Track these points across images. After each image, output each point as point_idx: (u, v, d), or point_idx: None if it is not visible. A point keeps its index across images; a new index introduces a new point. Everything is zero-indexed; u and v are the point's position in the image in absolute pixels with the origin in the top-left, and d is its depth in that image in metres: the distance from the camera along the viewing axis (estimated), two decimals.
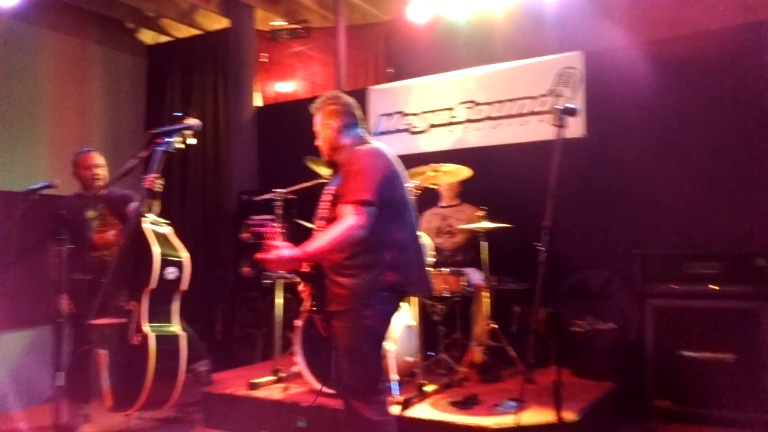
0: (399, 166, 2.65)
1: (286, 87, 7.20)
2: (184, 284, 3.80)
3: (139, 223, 3.73)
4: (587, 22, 4.90)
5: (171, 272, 3.72)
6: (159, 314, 3.69)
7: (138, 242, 3.70)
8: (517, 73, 4.95)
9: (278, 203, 4.17)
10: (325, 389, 3.58)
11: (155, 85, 6.77)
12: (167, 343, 3.61)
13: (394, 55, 6.52)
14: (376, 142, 2.70)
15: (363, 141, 2.70)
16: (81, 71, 6.17)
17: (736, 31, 4.15)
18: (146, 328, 3.58)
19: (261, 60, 6.73)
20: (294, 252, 2.49)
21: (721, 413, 3.66)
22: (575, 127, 4.65)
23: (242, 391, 3.90)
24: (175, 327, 3.74)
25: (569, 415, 3.17)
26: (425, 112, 5.36)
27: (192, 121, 3.70)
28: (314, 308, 2.70)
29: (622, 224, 4.40)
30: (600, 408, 3.53)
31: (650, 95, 4.34)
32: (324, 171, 4.32)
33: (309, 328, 3.75)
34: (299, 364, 3.76)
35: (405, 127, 5.44)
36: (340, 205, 2.49)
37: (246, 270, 5.67)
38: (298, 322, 3.82)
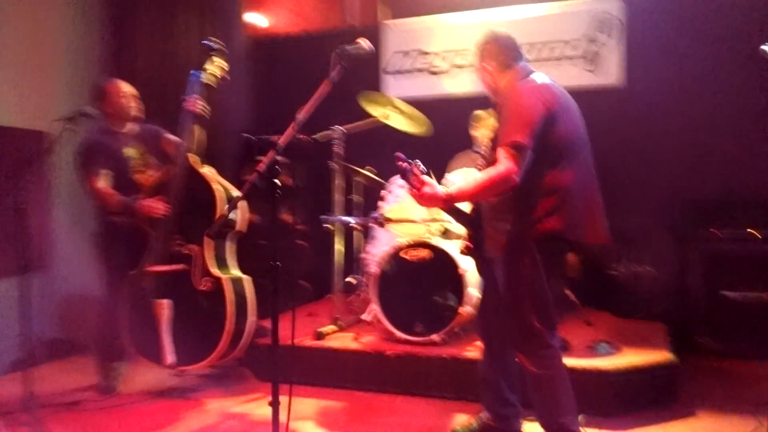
0: (568, 102, 2.45)
1: (276, 20, 6.63)
2: (242, 225, 3.47)
3: (188, 159, 3.34)
4: None
5: (231, 212, 3.37)
6: (221, 258, 3.35)
7: (193, 181, 3.31)
8: (551, 16, 4.85)
9: (338, 142, 3.86)
10: (405, 336, 3.45)
11: (124, 15, 5.96)
12: (238, 287, 3.29)
13: None
14: (540, 75, 2.48)
15: (524, 75, 2.48)
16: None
17: None
18: (216, 271, 3.22)
19: None
20: (440, 190, 2.32)
21: (760, 349, 3.88)
22: (612, 75, 4.68)
23: (310, 342, 3.62)
24: (238, 271, 3.40)
25: (670, 355, 3.23)
26: (447, 51, 5.15)
27: None
28: (467, 250, 2.56)
29: (660, 172, 4.49)
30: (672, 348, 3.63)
31: (689, 45, 4.41)
32: (376, 111, 4.04)
33: (385, 275, 3.54)
34: (374, 310, 3.55)
35: (424, 66, 5.21)
36: (497, 148, 2.31)
37: (254, 217, 5.28)
38: (375, 269, 3.58)
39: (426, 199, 2.33)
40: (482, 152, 4.58)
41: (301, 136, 5.48)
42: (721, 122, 4.34)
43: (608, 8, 4.69)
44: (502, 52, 2.53)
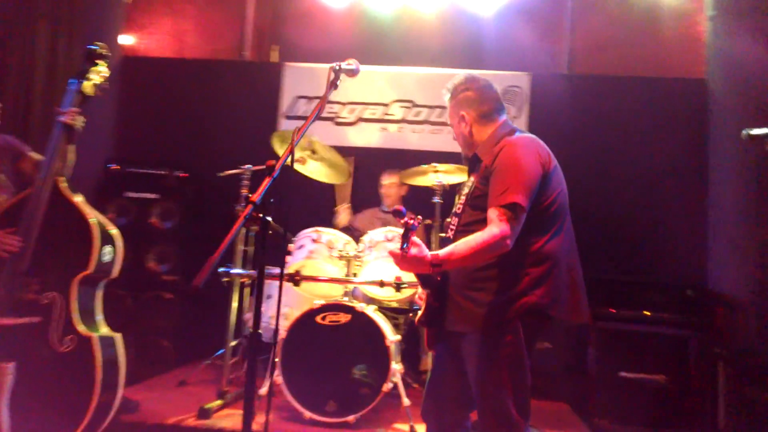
0: (557, 163, 2.16)
1: (150, 41, 5.93)
2: (117, 269, 2.78)
3: (57, 183, 2.65)
4: (528, 42, 4.93)
5: (107, 252, 2.69)
6: (88, 311, 2.63)
7: (61, 211, 2.61)
8: None
9: (246, 182, 3.33)
10: (314, 416, 2.93)
11: None
12: (109, 349, 2.58)
13: (280, 30, 5.83)
14: (525, 132, 2.22)
15: (510, 130, 2.18)
16: None
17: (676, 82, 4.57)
18: (83, 328, 2.50)
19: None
20: (427, 254, 1.93)
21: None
22: None
23: (193, 421, 2.92)
24: (107, 328, 2.69)
25: None
26: (354, 103, 4.87)
27: None
28: (425, 320, 2.17)
29: None
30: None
31: (589, 126, 4.56)
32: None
33: (292, 342, 3.00)
34: (275, 383, 2.97)
35: (329, 116, 4.87)
36: (489, 208, 2.00)
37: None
38: (282, 334, 3.02)
39: (409, 262, 1.91)
40: (389, 211, 4.32)
41: (180, 174, 4.82)
42: (623, 202, 4.46)
43: (518, 82, 4.73)
44: (484, 101, 2.21)
